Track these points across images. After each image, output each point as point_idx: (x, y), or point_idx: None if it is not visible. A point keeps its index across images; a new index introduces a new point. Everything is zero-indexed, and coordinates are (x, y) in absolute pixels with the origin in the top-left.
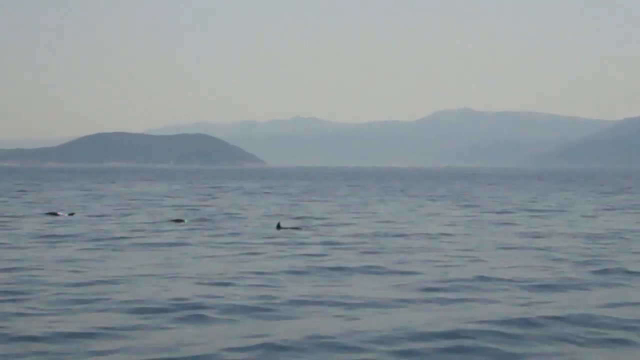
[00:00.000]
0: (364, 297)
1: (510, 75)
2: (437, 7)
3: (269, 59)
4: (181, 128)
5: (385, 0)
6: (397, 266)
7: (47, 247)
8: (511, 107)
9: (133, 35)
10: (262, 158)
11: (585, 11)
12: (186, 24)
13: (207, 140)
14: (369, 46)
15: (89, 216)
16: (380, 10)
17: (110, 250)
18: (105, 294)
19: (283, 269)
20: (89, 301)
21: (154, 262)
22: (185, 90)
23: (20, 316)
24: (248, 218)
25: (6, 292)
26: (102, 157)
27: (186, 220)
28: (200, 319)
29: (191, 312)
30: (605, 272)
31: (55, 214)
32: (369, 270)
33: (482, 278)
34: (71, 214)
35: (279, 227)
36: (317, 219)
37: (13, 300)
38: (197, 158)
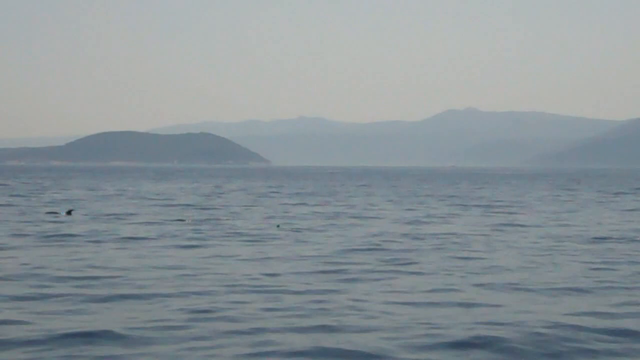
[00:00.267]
0: None
1: (517, 75)
2: (444, 7)
3: (275, 59)
4: (186, 127)
5: (392, 0)
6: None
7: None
8: (517, 107)
9: (139, 35)
10: (267, 157)
11: (593, 11)
12: (192, 24)
13: (212, 139)
14: (375, 46)
15: (106, 215)
16: (386, 10)
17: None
18: None
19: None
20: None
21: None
22: (191, 89)
23: None
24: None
25: None
26: (108, 156)
27: (187, 220)
28: None
29: None
30: None
31: (55, 213)
32: None
33: None
34: (69, 213)
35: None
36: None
37: None
38: (202, 157)
